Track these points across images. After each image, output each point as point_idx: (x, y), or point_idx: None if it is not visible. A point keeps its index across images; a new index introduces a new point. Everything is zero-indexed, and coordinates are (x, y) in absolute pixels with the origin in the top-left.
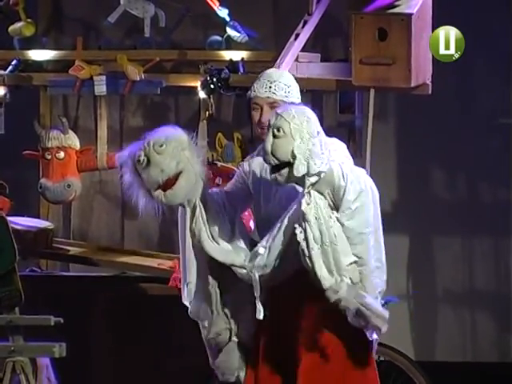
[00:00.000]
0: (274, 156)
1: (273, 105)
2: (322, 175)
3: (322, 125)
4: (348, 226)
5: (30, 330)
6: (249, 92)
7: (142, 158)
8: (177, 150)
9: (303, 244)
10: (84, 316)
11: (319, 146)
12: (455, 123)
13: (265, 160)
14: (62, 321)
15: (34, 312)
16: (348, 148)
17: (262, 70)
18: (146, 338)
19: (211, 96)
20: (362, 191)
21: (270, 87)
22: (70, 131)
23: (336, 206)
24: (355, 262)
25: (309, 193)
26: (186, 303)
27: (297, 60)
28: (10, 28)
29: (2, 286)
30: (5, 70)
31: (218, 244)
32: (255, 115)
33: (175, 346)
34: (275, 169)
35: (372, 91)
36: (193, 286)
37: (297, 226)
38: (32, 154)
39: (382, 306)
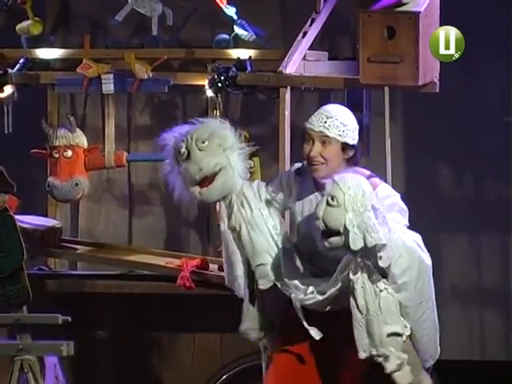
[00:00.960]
0: (324, 223)
1: (324, 140)
2: (383, 249)
3: None
4: (395, 296)
5: (38, 329)
6: (305, 123)
7: (183, 150)
8: (219, 150)
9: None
10: (91, 314)
11: (374, 219)
12: (462, 121)
13: (316, 223)
14: (69, 319)
15: (41, 310)
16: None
17: (269, 68)
18: (154, 336)
19: (219, 94)
20: (410, 266)
21: (325, 122)
22: (78, 130)
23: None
24: (398, 335)
25: (357, 262)
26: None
27: (304, 58)
28: (18, 26)
29: (10, 285)
30: (12, 68)
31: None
32: (306, 148)
33: (183, 344)
34: (324, 235)
35: (386, 89)
36: (242, 279)
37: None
38: (40, 152)
39: None
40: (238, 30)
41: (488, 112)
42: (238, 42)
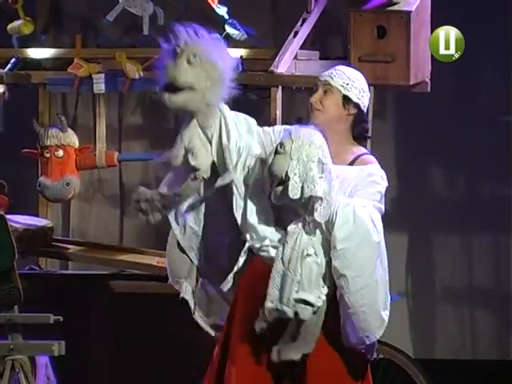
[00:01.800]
0: (270, 170)
1: (327, 88)
2: (319, 203)
3: None
4: (333, 263)
5: (29, 329)
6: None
7: (176, 48)
8: (201, 73)
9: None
10: (83, 314)
11: (318, 171)
12: (454, 121)
13: (265, 172)
14: (61, 319)
15: (33, 310)
16: None
17: (260, 67)
18: (145, 336)
19: None
20: (353, 235)
21: (332, 72)
22: (69, 129)
23: (327, 238)
24: (310, 305)
25: (301, 218)
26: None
27: (295, 58)
28: (9, 26)
29: (1, 285)
30: (3, 68)
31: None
32: (312, 95)
33: (174, 344)
34: (272, 184)
35: (371, 89)
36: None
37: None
38: (31, 152)
39: None
40: (229, 29)
41: (482, 111)
42: (229, 42)
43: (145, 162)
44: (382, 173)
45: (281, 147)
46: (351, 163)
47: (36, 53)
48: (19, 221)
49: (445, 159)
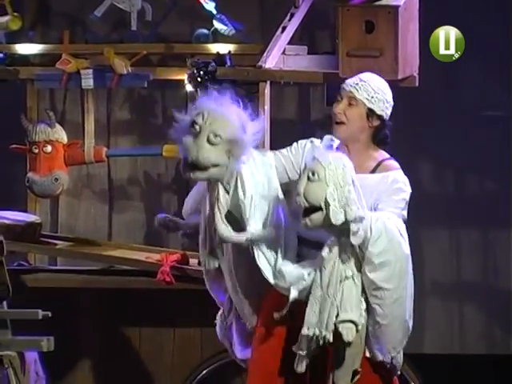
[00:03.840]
0: (305, 199)
1: (351, 101)
2: (360, 223)
3: (309, 117)
4: (369, 277)
5: (18, 324)
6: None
7: (197, 127)
8: (224, 152)
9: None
10: (72, 310)
11: (355, 193)
12: (442, 115)
13: (297, 201)
14: (49, 314)
15: (21, 306)
16: None
17: (249, 62)
18: (134, 331)
19: (198, 89)
20: (389, 248)
21: (357, 83)
22: (57, 125)
23: (362, 256)
24: (354, 324)
25: (335, 242)
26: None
27: (284, 53)
28: None
29: None
30: None
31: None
32: (335, 105)
33: (164, 339)
34: (305, 213)
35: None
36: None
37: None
38: (19, 147)
39: None
40: (217, 24)
41: (470, 106)
42: (217, 37)
43: (133, 158)
44: (406, 179)
45: (313, 175)
46: (373, 170)
47: (24, 48)
48: (8, 216)
49: (433, 154)
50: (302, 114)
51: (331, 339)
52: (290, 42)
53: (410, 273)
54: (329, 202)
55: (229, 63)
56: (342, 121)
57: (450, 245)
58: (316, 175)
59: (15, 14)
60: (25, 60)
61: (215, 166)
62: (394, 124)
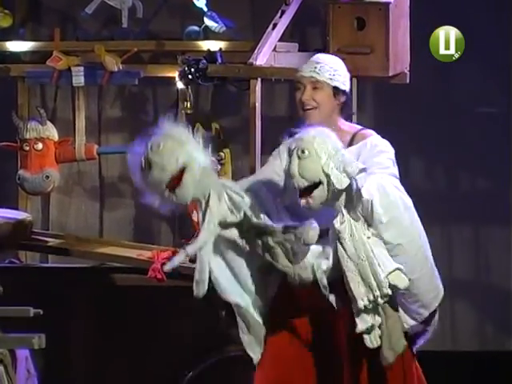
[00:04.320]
0: (302, 178)
1: (315, 84)
2: (362, 174)
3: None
4: (384, 237)
5: (9, 322)
6: (296, 73)
7: (144, 163)
8: (175, 146)
9: (342, 261)
10: (63, 307)
11: (348, 155)
12: (433, 112)
13: (293, 183)
14: (41, 312)
15: (12, 303)
16: None
17: (240, 60)
18: (125, 328)
19: (189, 86)
20: (393, 203)
21: (315, 67)
22: (48, 122)
23: (369, 222)
24: (399, 269)
25: (342, 212)
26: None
27: (274, 50)
28: None
29: None
30: None
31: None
32: (297, 94)
33: (154, 336)
34: (304, 193)
35: (354, 81)
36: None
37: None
38: (10, 145)
39: None
40: (208, 21)
41: (461, 102)
42: (208, 34)
43: (124, 155)
44: (385, 141)
45: (303, 152)
46: (350, 143)
47: (15, 46)
48: None
49: (424, 151)
50: (293, 111)
51: (390, 291)
52: (281, 39)
53: (419, 222)
54: (327, 173)
55: (220, 60)
56: (312, 106)
57: (442, 242)
58: (306, 152)
59: (6, 11)
60: (15, 57)
61: (183, 165)
62: (384, 120)
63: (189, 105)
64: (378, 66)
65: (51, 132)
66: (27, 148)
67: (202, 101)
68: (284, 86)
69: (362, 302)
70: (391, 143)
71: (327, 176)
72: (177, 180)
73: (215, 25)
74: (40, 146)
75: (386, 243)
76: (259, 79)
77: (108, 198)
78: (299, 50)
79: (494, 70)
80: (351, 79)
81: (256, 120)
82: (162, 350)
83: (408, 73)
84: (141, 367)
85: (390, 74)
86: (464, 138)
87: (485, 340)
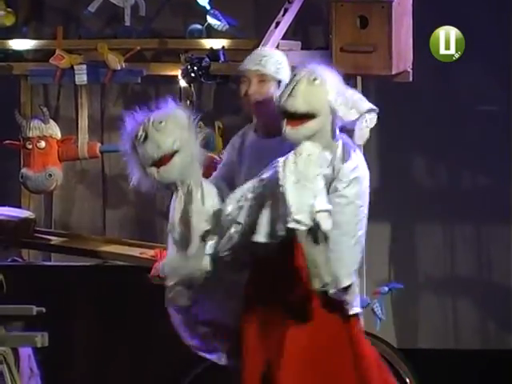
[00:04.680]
0: (305, 102)
1: (262, 78)
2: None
3: None
4: (343, 193)
5: (12, 320)
6: (240, 67)
7: (141, 133)
8: (175, 129)
9: (281, 174)
10: (66, 305)
11: (357, 95)
12: (436, 110)
13: (285, 106)
14: (43, 310)
15: (15, 302)
16: None
17: (242, 58)
18: (128, 326)
19: (192, 85)
20: (360, 164)
21: (261, 60)
22: (51, 121)
23: (335, 174)
24: (329, 212)
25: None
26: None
27: (277, 48)
28: None
29: None
30: None
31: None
32: (242, 88)
33: (158, 334)
34: (293, 120)
35: (359, 79)
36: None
37: (280, 159)
38: (13, 143)
39: (386, 293)
40: (210, 19)
41: (463, 100)
42: (210, 32)
43: None
44: None
45: (315, 80)
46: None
47: (17, 44)
48: (1, 212)
49: (427, 149)
50: None
51: (322, 227)
52: (284, 38)
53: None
54: (333, 108)
55: (222, 59)
56: (257, 99)
57: (444, 240)
58: (318, 80)
59: (9, 9)
60: (18, 56)
61: (177, 148)
62: (387, 118)
63: (191, 103)
64: (380, 64)
65: (54, 130)
66: (30, 146)
67: (205, 99)
68: None
69: (298, 218)
70: (393, 141)
71: (332, 111)
72: (166, 160)
73: (218, 23)
74: (43, 144)
75: (343, 197)
76: None
77: (111, 196)
78: (302, 49)
79: (495, 69)
80: (355, 78)
81: None
82: (164, 350)
83: (411, 71)
84: (142, 366)
85: (393, 73)
86: (467, 136)
87: (487, 338)
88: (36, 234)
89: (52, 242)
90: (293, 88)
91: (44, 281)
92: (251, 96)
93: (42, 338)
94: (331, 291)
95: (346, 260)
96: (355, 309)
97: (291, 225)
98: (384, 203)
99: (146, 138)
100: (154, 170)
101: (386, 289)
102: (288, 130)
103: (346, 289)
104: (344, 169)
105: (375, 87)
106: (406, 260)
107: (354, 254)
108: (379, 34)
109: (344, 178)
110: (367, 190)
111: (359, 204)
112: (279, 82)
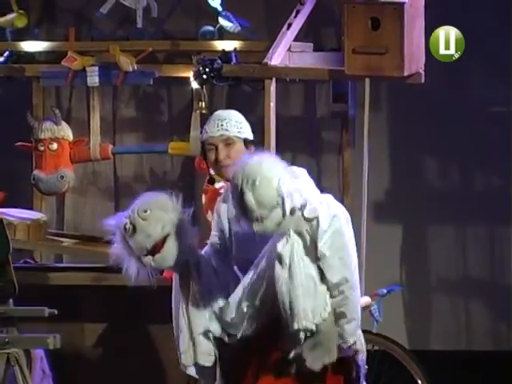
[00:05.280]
0: (260, 207)
1: (227, 141)
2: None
3: (315, 115)
4: (329, 254)
5: (24, 322)
6: (201, 135)
7: (128, 225)
8: (161, 214)
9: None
10: (77, 307)
11: (292, 179)
12: (448, 112)
13: (251, 218)
14: (55, 312)
15: (28, 303)
16: (341, 138)
17: (254, 59)
18: (139, 328)
19: (204, 86)
20: (334, 216)
21: (222, 125)
22: (63, 122)
23: (314, 239)
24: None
25: (288, 234)
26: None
27: (289, 50)
28: (2, 19)
29: None
30: None
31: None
32: (211, 156)
33: (170, 335)
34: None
35: (367, 81)
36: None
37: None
38: (25, 145)
39: (385, 295)
40: (222, 21)
41: (476, 102)
42: (222, 34)
43: (139, 155)
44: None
45: (253, 183)
46: None
47: (29, 46)
48: (14, 214)
49: (439, 150)
50: (307, 110)
51: (313, 328)
52: (296, 39)
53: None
54: (282, 193)
55: (234, 60)
56: (229, 164)
57: (456, 241)
58: (257, 179)
59: (21, 11)
60: (30, 57)
61: (168, 232)
62: (400, 120)
63: (203, 105)
64: (392, 65)
65: (66, 132)
66: (42, 148)
67: (217, 101)
68: (299, 86)
69: (296, 325)
70: (405, 142)
71: (281, 197)
72: (159, 247)
73: (230, 25)
74: (55, 146)
75: (331, 258)
76: (274, 79)
77: (123, 197)
78: (314, 50)
79: (496, 69)
80: (364, 80)
81: (271, 120)
82: (176, 351)
83: (423, 73)
84: (154, 368)
85: (405, 74)
86: (479, 137)
87: (499, 339)
88: (48, 236)
89: (64, 244)
90: (243, 203)
91: (56, 282)
92: (222, 162)
93: (54, 340)
94: (344, 346)
95: (352, 314)
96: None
97: (300, 332)
98: (395, 204)
99: (134, 229)
100: (149, 258)
101: (385, 291)
102: (256, 227)
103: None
104: (320, 231)
105: (387, 88)
106: (418, 261)
107: (357, 305)
108: (391, 35)
109: (323, 239)
110: (350, 232)
111: (346, 255)
112: (244, 140)
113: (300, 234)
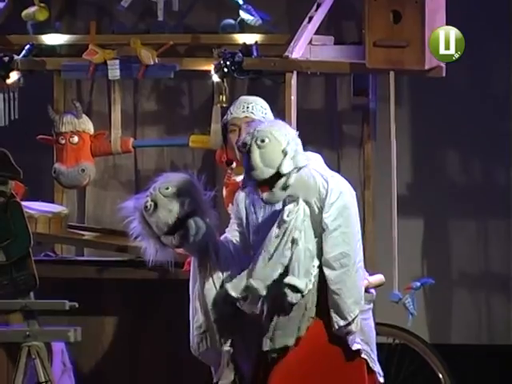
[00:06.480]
0: (266, 166)
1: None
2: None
3: (336, 108)
4: (333, 226)
5: (45, 315)
6: (225, 117)
7: (149, 203)
8: (183, 191)
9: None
10: (98, 300)
11: (301, 145)
12: (469, 106)
13: (254, 176)
14: (76, 305)
15: (48, 297)
16: (362, 132)
17: (275, 53)
18: (161, 322)
19: (225, 80)
20: (342, 192)
21: (248, 107)
22: (84, 116)
23: (322, 210)
24: (297, 290)
25: (297, 201)
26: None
27: (310, 43)
28: (24, 13)
29: (17, 271)
30: (18, 54)
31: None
32: (233, 137)
33: (188, 329)
34: (264, 186)
35: (392, 74)
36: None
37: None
38: (46, 138)
39: (418, 288)
40: (243, 14)
41: (497, 96)
42: (243, 27)
43: (160, 148)
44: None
45: (262, 141)
46: None
47: (51, 39)
48: (34, 207)
49: (460, 144)
50: (328, 104)
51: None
52: (317, 32)
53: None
54: (286, 152)
55: (255, 54)
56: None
57: (478, 235)
58: (266, 139)
59: (42, 4)
60: (52, 51)
61: (190, 210)
62: (421, 114)
63: (224, 98)
64: (413, 59)
65: (87, 125)
66: (63, 141)
67: (238, 94)
68: (320, 80)
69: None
70: (426, 136)
71: (285, 155)
72: (179, 225)
73: (251, 18)
74: (76, 139)
75: (334, 231)
76: (295, 72)
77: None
78: (335, 43)
79: (495, 69)
80: (388, 72)
81: (291, 113)
82: None
83: (444, 66)
84: (177, 360)
85: (426, 68)
86: (500, 131)
87: None
88: (69, 229)
89: (85, 237)
90: (249, 161)
91: (77, 276)
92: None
93: (74, 333)
94: (341, 323)
95: (350, 290)
96: (357, 345)
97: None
98: (417, 199)
99: (155, 206)
100: (169, 237)
101: (418, 284)
102: (265, 196)
103: (353, 319)
104: (327, 203)
105: (408, 81)
106: (440, 255)
107: (357, 282)
108: (412, 28)
109: (329, 211)
110: (356, 210)
111: (350, 231)
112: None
113: (308, 203)
